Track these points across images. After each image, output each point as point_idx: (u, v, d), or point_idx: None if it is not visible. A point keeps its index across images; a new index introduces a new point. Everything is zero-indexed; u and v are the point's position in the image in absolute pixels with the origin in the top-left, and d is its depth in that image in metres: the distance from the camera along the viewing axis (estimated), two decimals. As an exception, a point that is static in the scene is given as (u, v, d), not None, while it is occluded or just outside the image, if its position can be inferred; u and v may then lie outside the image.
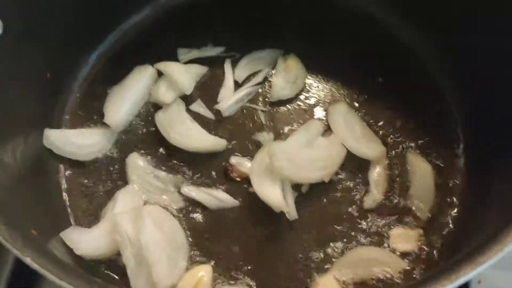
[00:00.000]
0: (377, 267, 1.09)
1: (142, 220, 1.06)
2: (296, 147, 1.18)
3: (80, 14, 1.27)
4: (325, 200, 1.19)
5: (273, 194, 1.12)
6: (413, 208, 1.17)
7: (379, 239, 1.14)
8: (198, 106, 1.31)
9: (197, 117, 1.29)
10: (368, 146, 1.22)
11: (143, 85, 1.32)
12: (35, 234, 0.86)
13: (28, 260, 0.67)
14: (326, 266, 1.11)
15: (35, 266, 0.66)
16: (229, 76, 1.35)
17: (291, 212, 1.13)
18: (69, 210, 1.19)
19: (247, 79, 1.36)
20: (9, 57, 1.05)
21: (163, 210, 1.14)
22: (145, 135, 1.28)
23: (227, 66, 1.37)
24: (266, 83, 1.34)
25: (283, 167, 1.13)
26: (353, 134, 1.23)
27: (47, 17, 1.16)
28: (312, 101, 1.33)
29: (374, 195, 1.19)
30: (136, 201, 1.17)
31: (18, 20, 1.07)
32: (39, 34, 1.15)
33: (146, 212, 1.09)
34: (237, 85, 1.35)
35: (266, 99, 1.33)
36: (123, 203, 1.16)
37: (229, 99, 1.31)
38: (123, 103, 1.29)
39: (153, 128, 1.28)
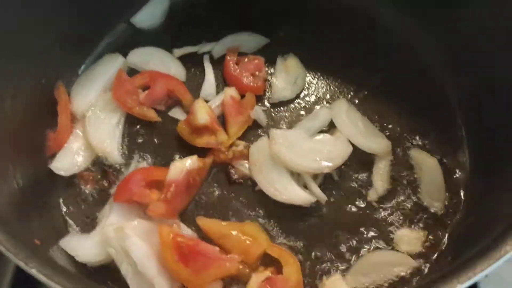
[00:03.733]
0: (390, 269, 1.08)
1: (129, 239, 1.03)
2: (298, 136, 1.18)
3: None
4: (332, 196, 1.18)
5: (295, 193, 1.13)
6: (425, 204, 1.16)
7: (385, 237, 1.13)
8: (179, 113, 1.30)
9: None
10: (374, 141, 1.21)
11: (111, 74, 1.29)
12: (39, 244, 0.83)
13: (33, 272, 0.64)
14: (333, 266, 1.10)
15: (41, 277, 0.63)
16: (209, 70, 1.34)
17: (320, 197, 1.14)
18: (66, 217, 1.16)
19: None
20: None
21: (147, 223, 1.10)
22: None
23: (206, 61, 1.35)
24: (267, 84, 1.33)
25: (281, 152, 1.14)
26: (358, 129, 1.21)
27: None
28: (312, 99, 1.31)
29: (380, 189, 1.18)
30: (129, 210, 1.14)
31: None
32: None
33: (130, 230, 1.05)
34: (215, 68, 1.34)
35: (266, 100, 1.32)
36: (117, 212, 1.13)
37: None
38: (90, 91, 1.27)
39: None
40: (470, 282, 0.71)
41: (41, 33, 1.15)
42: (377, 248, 1.12)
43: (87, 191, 1.19)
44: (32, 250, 0.69)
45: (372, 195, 1.17)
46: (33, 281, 1.14)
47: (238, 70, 1.32)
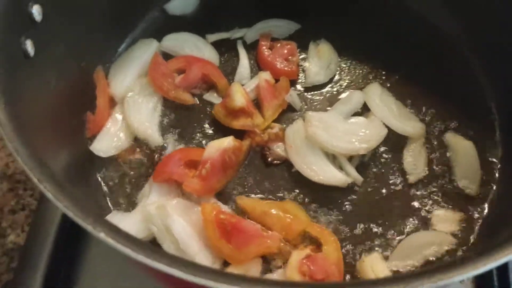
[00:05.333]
0: (430, 249, 1.10)
1: (170, 217, 1.06)
2: (332, 118, 1.20)
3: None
4: (368, 177, 1.20)
5: (331, 174, 1.15)
6: (461, 186, 1.18)
7: (422, 218, 1.15)
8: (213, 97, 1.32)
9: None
10: (409, 124, 1.23)
11: (146, 58, 1.32)
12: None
13: (102, 236, 0.66)
14: (371, 246, 1.12)
15: (109, 241, 0.65)
16: (243, 55, 1.36)
17: (356, 178, 1.17)
18: (107, 197, 1.18)
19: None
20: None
21: (187, 201, 1.13)
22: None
23: (240, 46, 1.38)
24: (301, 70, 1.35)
25: (316, 133, 1.16)
26: (392, 112, 1.23)
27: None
28: (345, 83, 1.33)
29: (419, 171, 1.20)
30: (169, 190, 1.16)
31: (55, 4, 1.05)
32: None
33: (172, 208, 1.08)
34: (250, 54, 1.36)
35: (299, 84, 1.34)
36: (157, 192, 1.15)
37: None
38: (127, 76, 1.29)
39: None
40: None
41: (80, 17, 1.18)
42: (414, 228, 1.13)
43: (126, 172, 1.20)
44: (97, 216, 0.71)
45: (412, 177, 1.19)
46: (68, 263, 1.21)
47: (271, 55, 1.33)
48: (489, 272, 1.12)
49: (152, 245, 0.71)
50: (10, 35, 0.91)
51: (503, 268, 1.13)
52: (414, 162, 1.20)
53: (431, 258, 1.09)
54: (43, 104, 1.01)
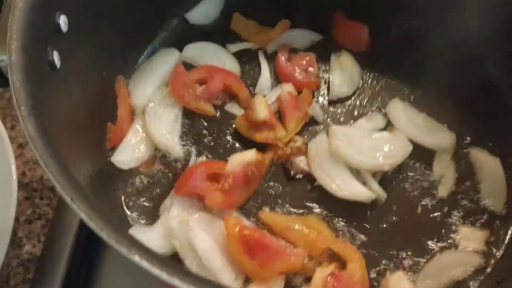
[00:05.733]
0: (457, 269, 1.08)
1: (192, 232, 1.04)
2: (357, 133, 1.19)
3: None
4: (393, 193, 1.18)
5: (355, 189, 1.14)
6: (487, 205, 1.16)
7: (447, 235, 1.13)
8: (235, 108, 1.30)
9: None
10: (438, 136, 1.22)
11: (167, 68, 1.31)
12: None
13: (136, 258, 0.64)
14: (395, 261, 1.10)
15: (143, 263, 0.64)
16: (265, 66, 1.34)
17: (380, 194, 1.15)
18: (127, 209, 1.16)
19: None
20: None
21: (209, 216, 1.11)
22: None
23: (261, 57, 1.36)
24: (323, 82, 1.34)
25: (340, 147, 1.14)
26: (419, 128, 1.22)
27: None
28: (367, 95, 1.32)
29: (449, 184, 1.18)
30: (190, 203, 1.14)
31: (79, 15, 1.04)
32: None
33: (193, 223, 1.06)
34: (271, 65, 1.35)
35: (321, 96, 1.33)
36: (179, 205, 1.13)
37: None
38: (147, 86, 1.28)
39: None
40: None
41: (103, 27, 1.16)
42: (440, 246, 1.12)
43: (147, 184, 1.19)
44: (130, 238, 0.70)
45: (442, 191, 1.17)
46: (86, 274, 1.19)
47: (290, 66, 1.32)
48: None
49: (184, 268, 0.68)
50: (38, 46, 0.90)
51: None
52: (444, 174, 1.19)
53: (458, 278, 1.07)
54: (66, 116, 1.00)
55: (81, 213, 0.67)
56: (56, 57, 0.94)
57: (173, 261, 1.01)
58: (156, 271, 0.64)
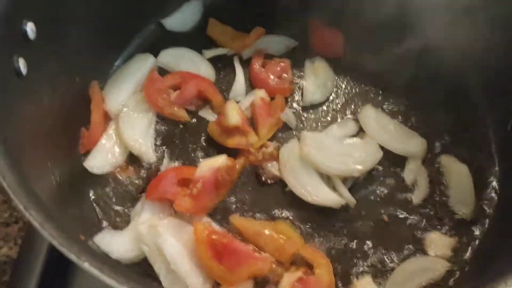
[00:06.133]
0: (424, 275, 1.09)
1: (161, 237, 1.05)
2: (327, 139, 1.20)
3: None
4: (363, 199, 1.19)
5: (325, 195, 1.15)
6: (455, 211, 1.17)
7: (416, 242, 1.14)
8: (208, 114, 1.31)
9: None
10: (410, 143, 1.23)
11: (142, 74, 1.31)
12: (83, 239, 0.84)
13: (86, 265, 0.65)
14: (362, 267, 1.11)
15: (93, 271, 0.65)
16: (239, 72, 1.35)
17: (350, 200, 1.15)
18: (99, 214, 1.17)
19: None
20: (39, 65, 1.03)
21: (179, 221, 1.11)
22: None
23: (236, 62, 1.37)
24: (297, 88, 1.35)
25: (311, 153, 1.15)
26: (390, 134, 1.23)
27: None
28: (341, 101, 1.33)
29: (421, 192, 1.19)
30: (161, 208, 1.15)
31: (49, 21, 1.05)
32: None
33: (162, 227, 1.07)
34: (246, 70, 1.35)
35: (295, 102, 1.33)
36: (149, 210, 1.14)
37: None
38: (122, 91, 1.28)
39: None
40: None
41: (74, 33, 1.17)
42: (408, 253, 1.12)
43: (119, 189, 1.20)
44: (82, 245, 0.71)
45: (416, 198, 1.18)
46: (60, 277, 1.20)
47: (263, 73, 1.33)
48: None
49: (138, 277, 0.69)
50: (2, 54, 0.90)
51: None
52: (417, 181, 1.20)
53: (426, 284, 1.08)
54: (35, 122, 1.01)
55: (33, 222, 0.68)
56: (22, 64, 0.95)
57: (126, 269, 1.01)
58: (105, 278, 0.65)
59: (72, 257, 0.65)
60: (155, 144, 1.26)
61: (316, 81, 1.33)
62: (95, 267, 0.65)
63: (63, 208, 0.95)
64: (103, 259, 0.70)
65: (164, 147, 1.26)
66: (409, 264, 1.11)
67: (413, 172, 1.21)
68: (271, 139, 1.25)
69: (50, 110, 1.08)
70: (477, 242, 1.15)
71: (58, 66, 1.12)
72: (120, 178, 1.21)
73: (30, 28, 0.99)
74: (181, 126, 1.28)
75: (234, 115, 1.21)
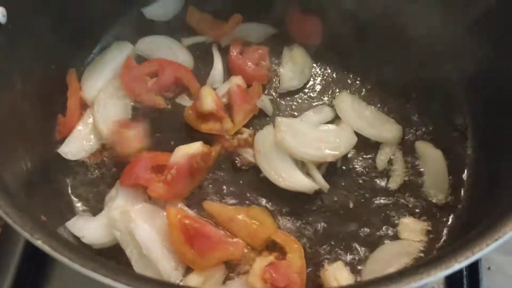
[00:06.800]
0: (400, 259, 1.09)
1: (133, 222, 1.06)
2: (302, 125, 1.20)
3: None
4: (338, 185, 1.19)
5: (298, 180, 1.15)
6: (428, 194, 1.17)
7: (390, 227, 1.14)
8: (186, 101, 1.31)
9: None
10: (385, 129, 1.23)
11: (119, 61, 1.32)
12: (45, 219, 0.85)
13: (39, 243, 0.66)
14: (335, 252, 1.12)
15: (46, 248, 0.65)
16: (217, 59, 1.35)
17: (323, 185, 1.16)
18: (73, 199, 1.17)
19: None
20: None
21: (152, 207, 1.12)
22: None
23: (215, 50, 1.37)
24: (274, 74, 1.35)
25: (285, 139, 1.16)
26: (366, 120, 1.23)
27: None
28: (318, 88, 1.33)
29: (397, 178, 1.19)
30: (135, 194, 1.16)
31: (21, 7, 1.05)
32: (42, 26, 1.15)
33: (135, 213, 1.08)
34: (224, 58, 1.35)
35: (273, 89, 1.33)
36: (123, 196, 1.15)
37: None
38: (99, 79, 1.29)
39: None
40: (467, 262, 0.71)
41: (49, 20, 1.17)
42: (382, 237, 1.13)
43: (94, 175, 1.20)
44: (39, 224, 0.71)
45: (392, 184, 1.19)
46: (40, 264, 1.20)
47: (241, 60, 1.33)
48: (460, 273, 1.11)
49: (93, 255, 0.70)
50: (-32, 38, 0.90)
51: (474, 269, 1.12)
52: (394, 168, 1.20)
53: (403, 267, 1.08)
54: (6, 107, 1.01)
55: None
56: (-10, 48, 0.95)
57: (81, 248, 1.01)
58: (58, 256, 0.65)
59: (26, 234, 0.66)
60: (131, 131, 1.25)
61: (294, 67, 1.33)
62: (47, 245, 0.66)
63: (31, 192, 0.95)
64: (59, 238, 0.70)
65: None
66: (384, 249, 1.12)
67: (385, 158, 1.21)
68: (247, 126, 1.25)
69: (23, 95, 1.09)
70: (449, 226, 1.14)
71: (32, 53, 1.12)
72: (95, 164, 1.21)
73: (0, 13, 0.99)
74: (158, 113, 1.28)
75: (208, 100, 1.21)
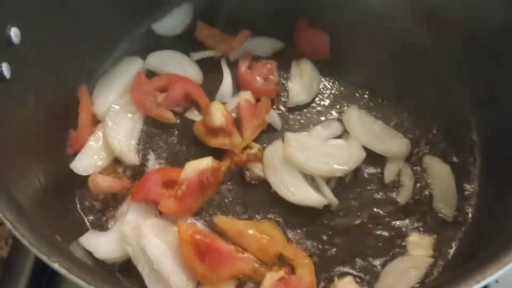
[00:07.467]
0: (410, 275, 1.10)
1: (144, 237, 1.07)
2: (311, 140, 1.21)
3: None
4: (347, 199, 1.20)
5: (308, 195, 1.16)
6: (436, 209, 1.18)
7: (397, 242, 1.15)
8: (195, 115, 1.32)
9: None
10: (393, 144, 1.23)
11: (130, 76, 1.33)
12: (59, 240, 0.86)
13: (56, 266, 0.67)
14: (345, 267, 1.12)
15: (62, 271, 0.66)
16: (227, 73, 1.36)
17: (332, 200, 1.17)
18: (84, 215, 1.19)
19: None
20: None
21: (163, 222, 1.13)
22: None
23: (224, 64, 1.38)
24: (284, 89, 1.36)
25: (294, 154, 1.17)
26: (374, 135, 1.24)
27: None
28: (327, 103, 1.33)
29: (406, 193, 1.20)
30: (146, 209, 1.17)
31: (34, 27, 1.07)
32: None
33: (146, 228, 1.09)
34: (234, 72, 1.36)
35: (281, 104, 1.34)
36: (134, 211, 1.16)
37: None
38: (110, 94, 1.30)
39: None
40: (479, 286, 0.72)
41: (61, 38, 1.19)
42: (391, 252, 1.13)
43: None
44: (54, 245, 0.72)
45: (401, 199, 1.19)
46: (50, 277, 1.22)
47: (249, 74, 1.34)
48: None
49: (107, 276, 0.71)
50: (-16, 59, 0.92)
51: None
52: (403, 183, 1.21)
53: (415, 284, 1.09)
54: (19, 125, 1.03)
55: (5, 221, 0.69)
56: (5, 69, 0.96)
57: (97, 270, 1.03)
58: (74, 278, 0.66)
59: (43, 257, 0.67)
60: (141, 145, 1.27)
61: (302, 82, 1.34)
62: (64, 268, 0.67)
63: (45, 209, 0.97)
64: (74, 259, 0.71)
65: (150, 148, 1.27)
66: (394, 264, 1.12)
67: (393, 172, 1.22)
68: (256, 140, 1.26)
69: (36, 113, 1.10)
70: (458, 241, 1.14)
71: (44, 70, 1.13)
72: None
73: (14, 33, 1.01)
74: (168, 127, 1.29)
75: (218, 115, 1.22)
